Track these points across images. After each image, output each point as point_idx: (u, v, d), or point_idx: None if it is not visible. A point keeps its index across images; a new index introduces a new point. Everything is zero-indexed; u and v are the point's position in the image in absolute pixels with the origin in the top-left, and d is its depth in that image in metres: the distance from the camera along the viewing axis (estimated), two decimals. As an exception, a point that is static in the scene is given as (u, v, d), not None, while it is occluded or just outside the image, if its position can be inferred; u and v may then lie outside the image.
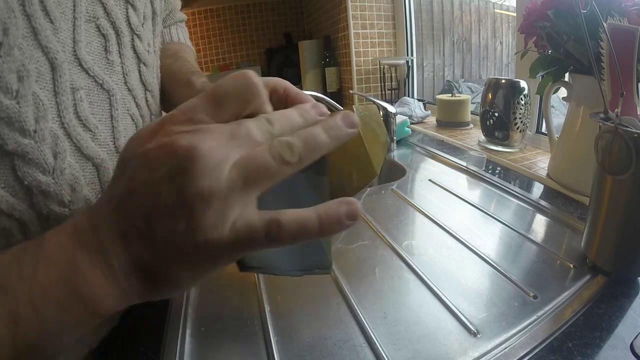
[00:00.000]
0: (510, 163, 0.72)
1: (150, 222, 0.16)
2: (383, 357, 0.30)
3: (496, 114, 0.79)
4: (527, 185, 0.62)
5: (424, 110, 1.16)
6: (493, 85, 0.80)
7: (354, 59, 1.34)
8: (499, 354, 0.30)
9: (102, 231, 0.17)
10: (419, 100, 1.21)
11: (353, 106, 0.23)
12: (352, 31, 1.31)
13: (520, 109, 0.76)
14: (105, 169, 0.28)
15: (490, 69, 1.69)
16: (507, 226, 0.49)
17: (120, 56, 0.30)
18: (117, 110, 0.29)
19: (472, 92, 1.57)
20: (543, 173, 0.66)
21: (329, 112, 0.27)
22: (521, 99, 0.76)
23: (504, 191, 0.60)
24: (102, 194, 0.19)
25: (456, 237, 0.47)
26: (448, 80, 1.62)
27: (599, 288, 0.36)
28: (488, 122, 0.82)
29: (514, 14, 0.98)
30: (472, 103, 1.06)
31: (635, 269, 0.37)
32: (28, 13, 0.22)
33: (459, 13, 1.59)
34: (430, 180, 0.68)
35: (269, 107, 0.20)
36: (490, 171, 0.69)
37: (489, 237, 0.47)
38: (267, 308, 0.36)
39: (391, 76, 1.33)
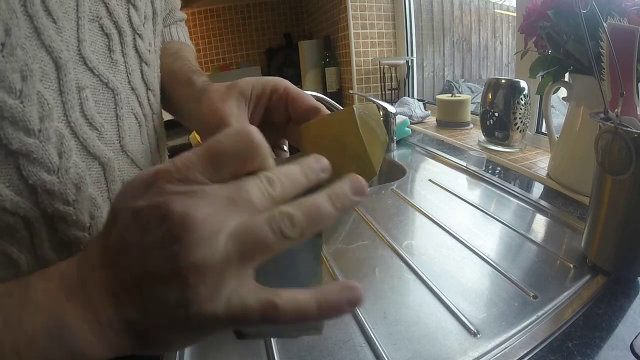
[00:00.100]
0: (510, 163, 0.72)
1: (142, 287, 0.16)
2: (383, 357, 0.30)
3: (496, 114, 0.79)
4: (527, 185, 0.62)
5: (424, 110, 1.16)
6: (493, 85, 0.80)
7: (354, 59, 1.34)
8: (499, 354, 0.30)
9: (93, 286, 0.16)
10: (419, 100, 1.21)
11: (353, 106, 0.23)
12: (352, 31, 1.31)
13: (520, 109, 0.76)
14: (112, 167, 0.28)
15: (490, 69, 1.69)
16: (507, 226, 0.49)
17: (123, 55, 0.30)
18: (122, 109, 0.29)
19: (472, 92, 1.56)
20: (543, 173, 0.66)
21: (328, 112, 0.26)
22: (521, 99, 0.76)
23: (504, 191, 0.60)
24: (93, 240, 0.18)
25: (456, 237, 0.47)
26: (448, 80, 1.62)
27: (599, 288, 0.36)
28: (488, 122, 0.82)
29: (514, 14, 0.98)
30: (472, 103, 1.06)
31: (635, 269, 0.37)
32: (30, 13, 0.22)
33: (459, 13, 1.59)
34: (430, 180, 0.68)
35: (270, 161, 0.18)
36: (490, 171, 0.69)
37: (489, 237, 0.47)
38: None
39: (391, 76, 1.33)
